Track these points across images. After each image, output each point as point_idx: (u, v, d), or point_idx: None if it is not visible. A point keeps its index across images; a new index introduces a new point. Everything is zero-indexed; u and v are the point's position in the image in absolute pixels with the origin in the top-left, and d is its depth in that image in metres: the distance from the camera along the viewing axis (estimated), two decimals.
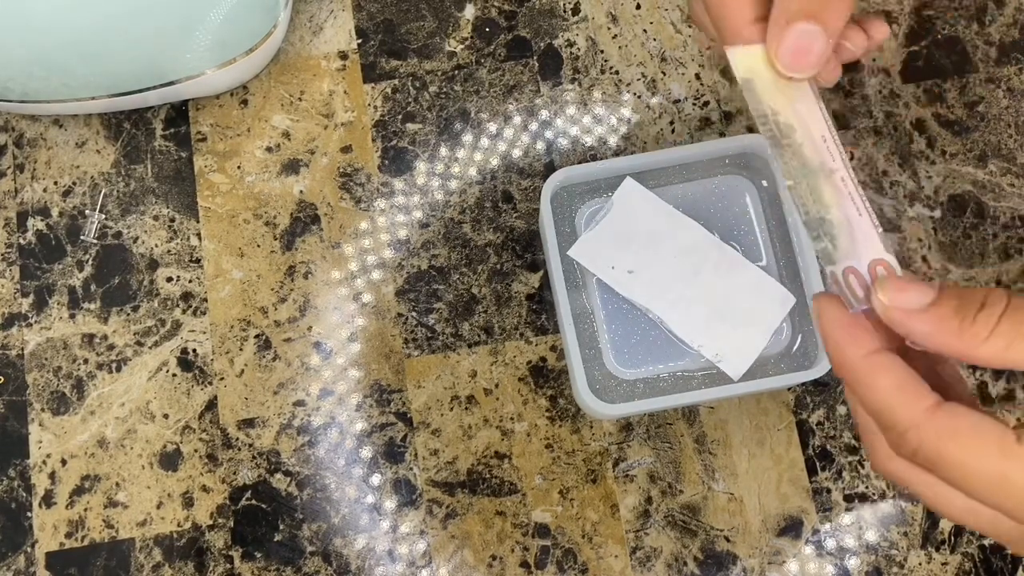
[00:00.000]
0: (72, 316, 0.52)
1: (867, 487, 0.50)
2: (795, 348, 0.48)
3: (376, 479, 0.50)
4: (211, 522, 0.50)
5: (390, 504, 0.50)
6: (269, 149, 0.54)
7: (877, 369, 0.32)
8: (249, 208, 0.54)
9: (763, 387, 0.47)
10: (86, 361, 0.52)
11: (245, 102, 0.55)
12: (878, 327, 0.33)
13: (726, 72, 0.55)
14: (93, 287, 0.53)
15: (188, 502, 0.50)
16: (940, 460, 0.31)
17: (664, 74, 0.55)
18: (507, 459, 0.50)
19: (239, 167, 0.54)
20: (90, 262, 0.53)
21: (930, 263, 0.52)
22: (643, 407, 0.47)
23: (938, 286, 0.31)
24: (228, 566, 0.49)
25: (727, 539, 0.49)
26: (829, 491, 0.50)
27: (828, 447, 0.50)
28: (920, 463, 0.32)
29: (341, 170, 0.54)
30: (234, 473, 0.50)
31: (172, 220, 0.53)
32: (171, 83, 0.51)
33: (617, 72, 0.55)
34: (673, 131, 0.54)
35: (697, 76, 0.55)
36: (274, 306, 0.52)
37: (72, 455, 0.51)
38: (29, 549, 0.50)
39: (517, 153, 0.54)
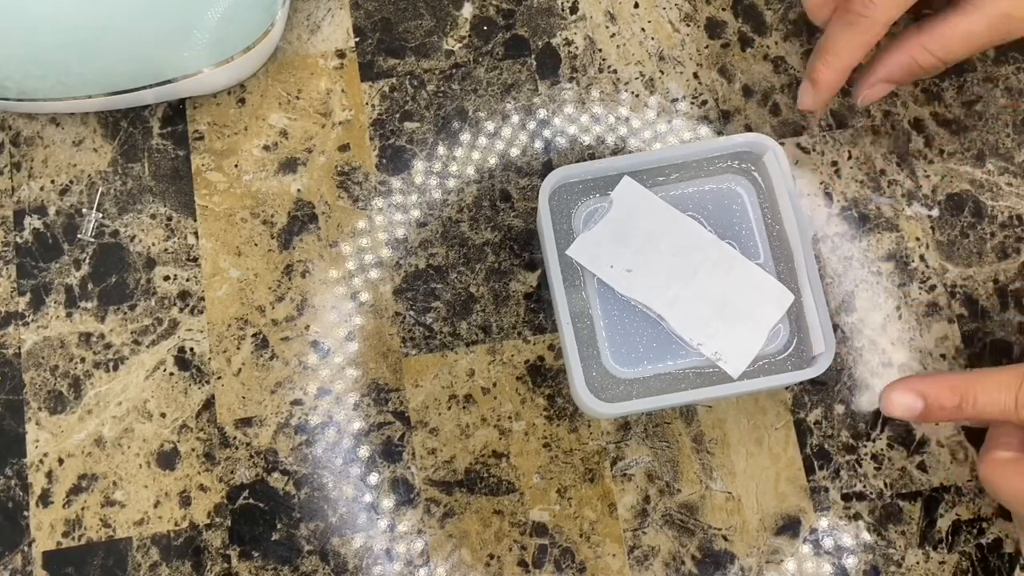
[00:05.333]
0: (69, 315, 0.52)
1: (865, 486, 0.50)
2: (793, 347, 0.49)
3: (374, 478, 0.50)
4: (208, 521, 0.50)
5: (388, 503, 0.50)
6: (267, 148, 0.54)
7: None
8: (246, 207, 0.53)
9: (761, 386, 0.47)
10: (83, 360, 0.52)
11: (242, 101, 0.55)
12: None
13: (724, 71, 0.55)
14: (90, 286, 0.53)
15: (185, 501, 0.50)
16: None
17: (662, 73, 0.55)
18: (505, 458, 0.50)
19: (236, 166, 0.54)
20: (87, 261, 0.53)
21: (928, 262, 0.52)
22: (641, 406, 0.47)
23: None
24: (225, 565, 0.49)
25: (725, 538, 0.49)
26: (827, 490, 0.50)
27: (826, 446, 0.50)
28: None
29: (339, 169, 0.54)
30: (231, 472, 0.50)
31: (169, 219, 0.53)
32: (168, 81, 0.51)
33: (615, 71, 0.55)
34: (671, 130, 0.54)
35: (695, 75, 0.55)
36: (271, 305, 0.52)
37: (69, 454, 0.51)
38: (26, 548, 0.50)
39: (515, 152, 0.54)
